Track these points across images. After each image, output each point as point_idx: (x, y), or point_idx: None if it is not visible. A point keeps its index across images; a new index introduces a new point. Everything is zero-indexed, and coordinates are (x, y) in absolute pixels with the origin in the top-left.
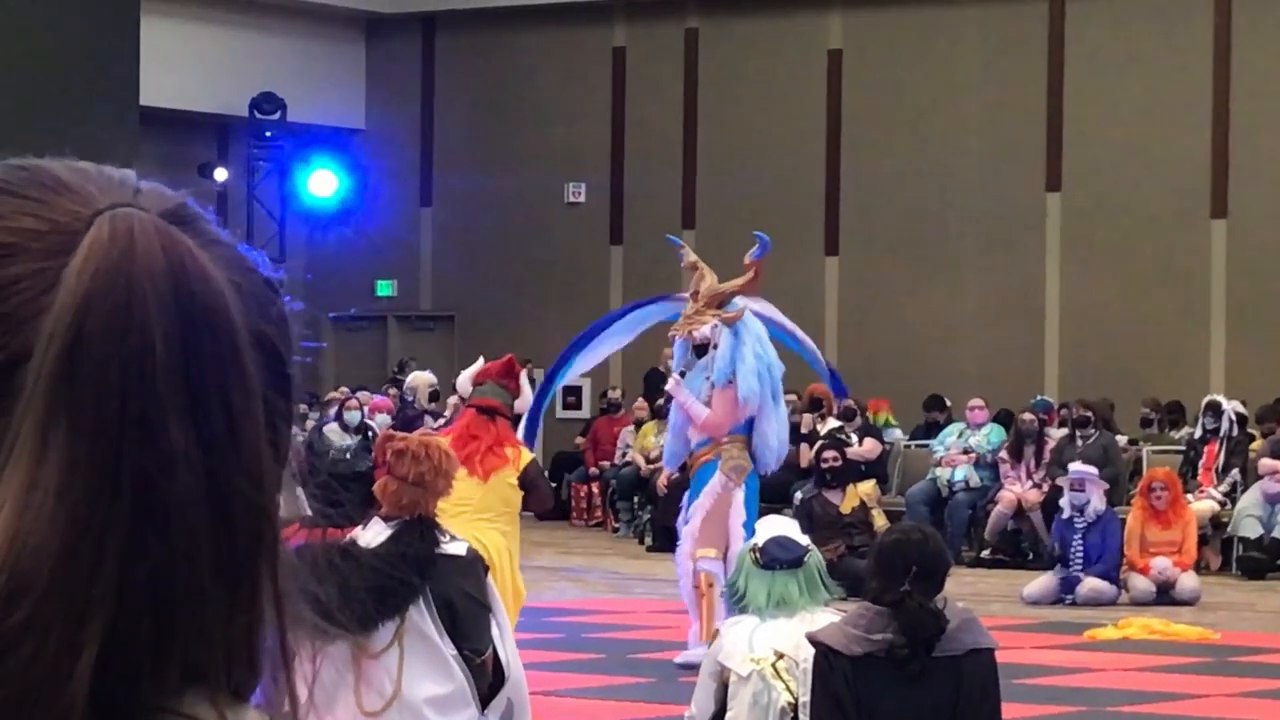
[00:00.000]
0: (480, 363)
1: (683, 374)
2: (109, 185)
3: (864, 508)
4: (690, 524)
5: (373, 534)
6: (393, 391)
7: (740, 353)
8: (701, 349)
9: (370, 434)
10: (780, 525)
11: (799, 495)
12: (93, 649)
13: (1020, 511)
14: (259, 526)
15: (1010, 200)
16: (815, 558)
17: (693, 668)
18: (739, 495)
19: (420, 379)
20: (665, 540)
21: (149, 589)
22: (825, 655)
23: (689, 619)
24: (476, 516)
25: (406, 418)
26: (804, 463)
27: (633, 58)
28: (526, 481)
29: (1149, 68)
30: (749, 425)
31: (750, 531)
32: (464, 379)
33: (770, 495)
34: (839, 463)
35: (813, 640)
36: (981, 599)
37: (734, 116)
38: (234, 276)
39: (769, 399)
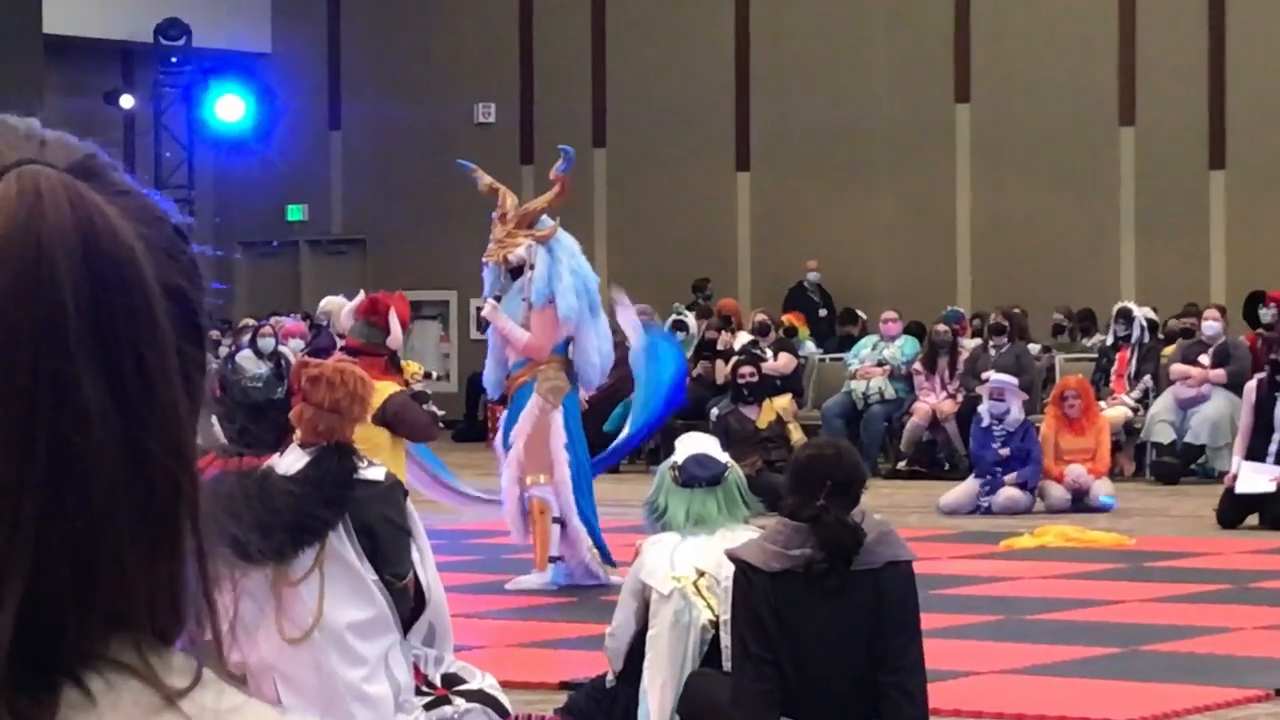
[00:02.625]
0: (359, 297)
1: (498, 298)
2: (13, 139)
3: (780, 422)
4: (513, 449)
5: (290, 461)
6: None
7: (557, 270)
8: (516, 271)
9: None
10: (700, 443)
11: (715, 411)
12: (12, 607)
13: (935, 422)
14: (177, 477)
15: (920, 112)
16: (735, 474)
17: (525, 593)
18: (558, 417)
19: (334, 303)
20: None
21: (68, 545)
22: (744, 572)
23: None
24: None
25: (319, 345)
26: (719, 379)
27: None
28: (388, 417)
29: None
30: (566, 345)
31: (577, 451)
32: (344, 314)
33: (687, 412)
34: (755, 378)
35: (732, 557)
36: (898, 510)
37: (643, 34)
38: (143, 228)
39: (587, 314)
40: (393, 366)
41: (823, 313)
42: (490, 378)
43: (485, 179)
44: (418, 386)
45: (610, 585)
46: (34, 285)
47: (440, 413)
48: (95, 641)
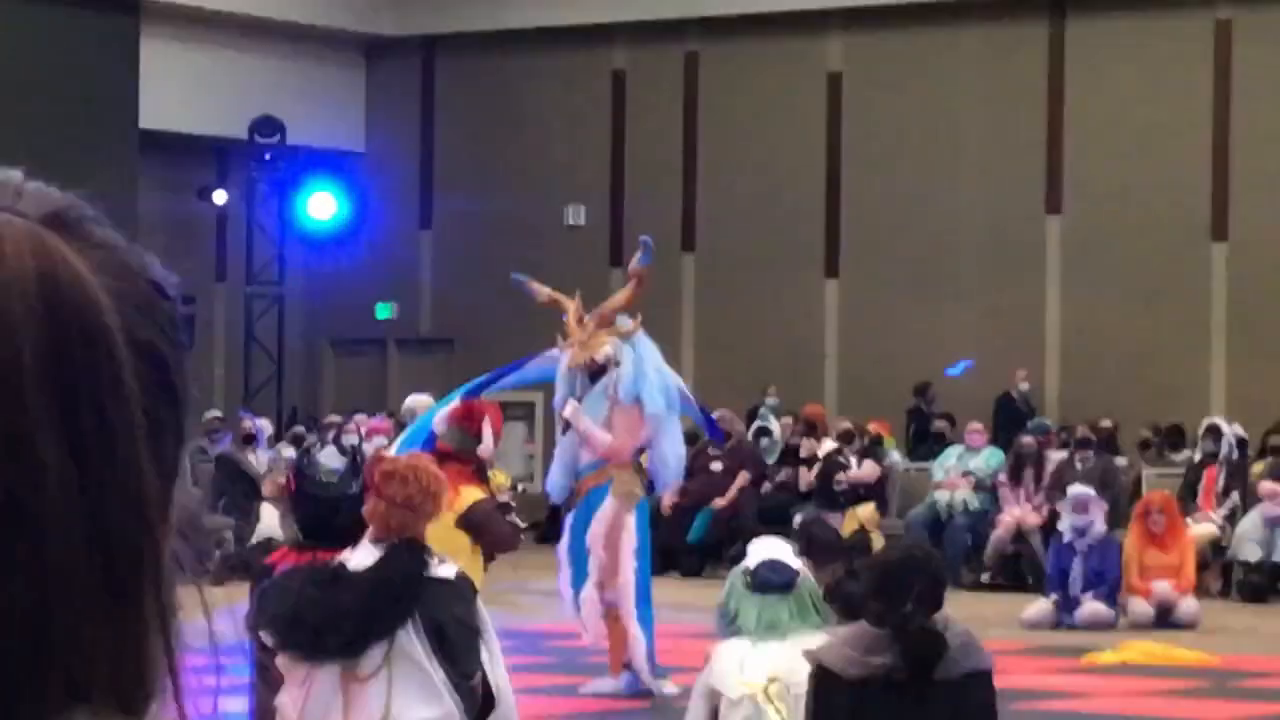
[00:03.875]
0: (455, 403)
1: (579, 399)
2: None
3: (864, 531)
4: (594, 554)
5: (362, 556)
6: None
7: (643, 369)
8: (597, 373)
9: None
10: (773, 548)
11: (798, 518)
12: None
13: (1019, 535)
14: (139, 543)
15: (1011, 223)
16: (807, 582)
17: (599, 696)
18: (630, 521)
19: (419, 401)
20: (664, 562)
21: (23, 609)
22: (823, 677)
23: (670, 644)
24: None
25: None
26: (803, 486)
27: (633, 80)
28: (470, 524)
29: (1149, 89)
30: (639, 450)
31: (642, 559)
32: (437, 419)
33: (769, 518)
34: (846, 485)
35: (812, 658)
36: (981, 623)
37: (734, 139)
38: (115, 282)
39: (668, 416)
40: (480, 475)
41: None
42: (556, 482)
43: (544, 291)
44: (504, 498)
45: (665, 695)
46: None
47: (523, 525)
48: (52, 714)
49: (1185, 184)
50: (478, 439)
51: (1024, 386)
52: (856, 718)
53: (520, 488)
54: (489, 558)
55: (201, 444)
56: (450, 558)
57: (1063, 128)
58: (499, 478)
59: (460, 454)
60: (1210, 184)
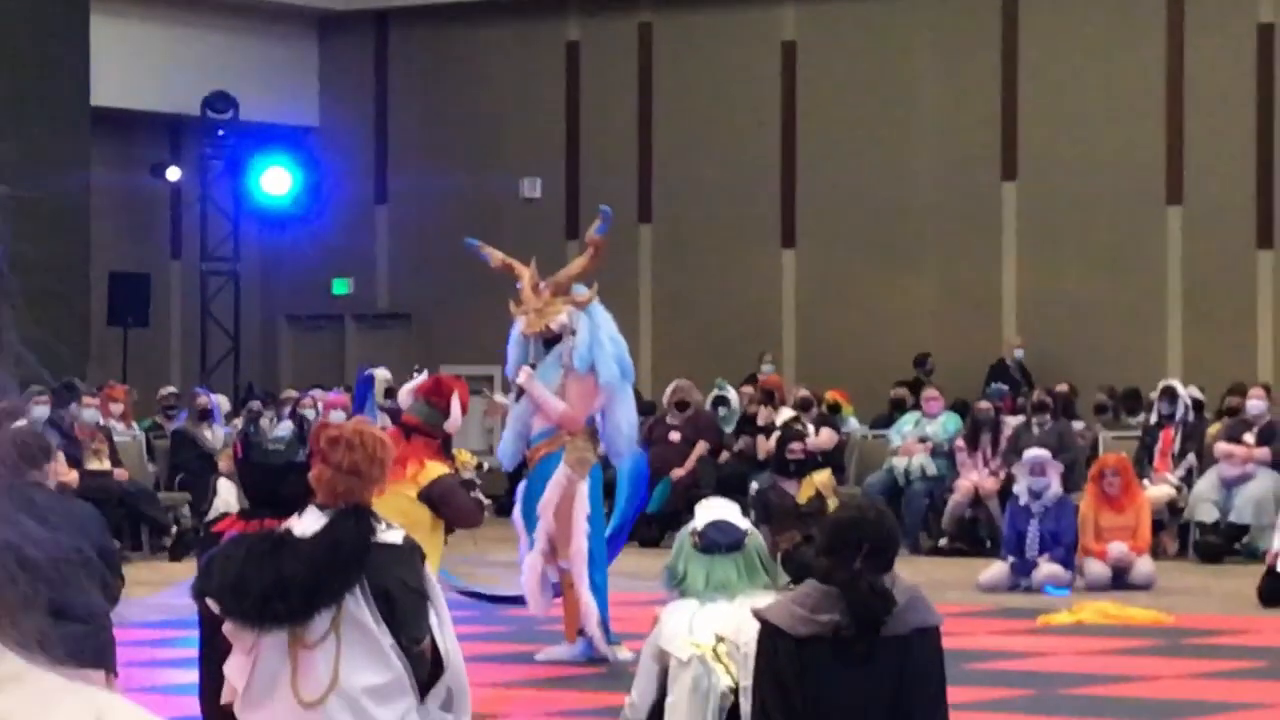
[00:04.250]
0: (423, 376)
1: (533, 366)
2: None
3: (820, 498)
4: (542, 521)
5: (308, 523)
6: (345, 388)
7: (598, 337)
8: (552, 340)
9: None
10: (720, 509)
11: (755, 485)
12: None
13: (977, 500)
14: None
15: (966, 190)
16: (755, 541)
17: (554, 664)
18: (583, 489)
19: (376, 375)
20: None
21: None
22: (770, 635)
23: (627, 612)
24: None
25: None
26: (761, 454)
27: (587, 52)
28: (432, 497)
29: (1102, 54)
30: (592, 418)
31: (595, 525)
32: (403, 392)
33: (727, 487)
34: (803, 454)
35: (758, 616)
36: (938, 587)
37: (689, 110)
38: None
39: (621, 384)
40: (445, 451)
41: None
42: (508, 449)
43: (497, 256)
44: (468, 475)
45: (620, 661)
46: None
47: (487, 501)
48: None
49: (1140, 147)
50: (445, 414)
51: (1018, 354)
52: (804, 675)
53: (484, 465)
54: (449, 531)
55: (157, 420)
56: (409, 531)
57: (1017, 92)
58: (463, 456)
59: (427, 428)
60: (1164, 147)
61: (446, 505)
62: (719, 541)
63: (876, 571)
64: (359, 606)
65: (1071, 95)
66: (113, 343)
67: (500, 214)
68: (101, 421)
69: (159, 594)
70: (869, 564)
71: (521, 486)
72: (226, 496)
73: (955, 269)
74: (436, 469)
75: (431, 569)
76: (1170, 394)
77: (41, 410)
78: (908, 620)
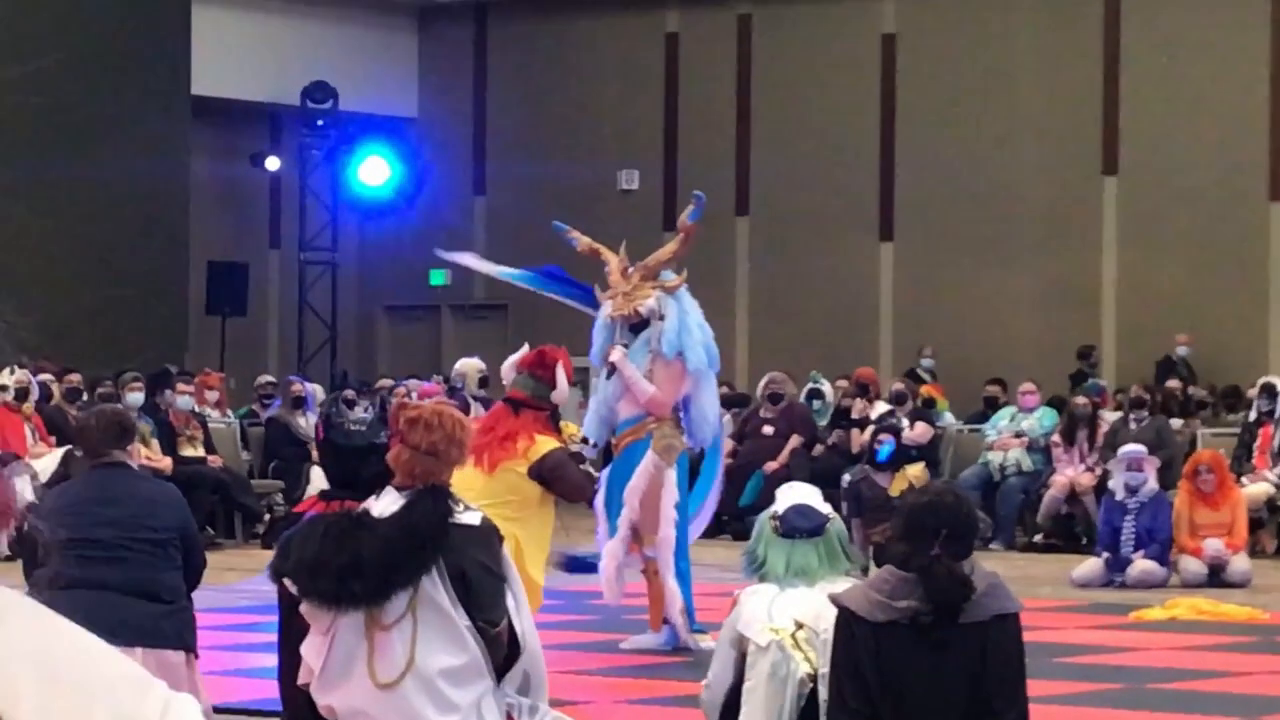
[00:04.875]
0: (524, 349)
1: (625, 347)
2: None
3: (913, 490)
4: (627, 508)
5: (386, 503)
6: (443, 379)
7: (686, 323)
8: (640, 326)
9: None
10: (801, 493)
11: (846, 478)
12: None
13: (1073, 496)
14: None
15: (1066, 184)
16: (836, 526)
17: (638, 652)
18: (670, 476)
19: (469, 365)
20: (716, 525)
21: None
22: (847, 621)
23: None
24: (480, 500)
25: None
26: (855, 447)
27: (686, 43)
28: (543, 473)
29: (1205, 47)
30: (681, 402)
31: (681, 513)
32: (506, 366)
33: (820, 480)
34: (892, 445)
35: (835, 602)
36: (1032, 583)
37: (787, 102)
38: None
39: (708, 372)
40: (553, 423)
41: (1190, 389)
42: (590, 431)
43: (584, 240)
44: (575, 448)
45: (703, 650)
46: None
47: (596, 475)
48: None
49: (1243, 142)
50: (551, 385)
51: (1182, 350)
52: (882, 661)
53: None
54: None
55: (253, 408)
56: (507, 506)
57: (1119, 86)
58: (570, 428)
59: (534, 401)
60: (1268, 142)
61: (558, 480)
62: (800, 526)
63: (954, 557)
64: (435, 588)
65: (1174, 89)
66: (211, 332)
67: (597, 205)
68: (196, 409)
69: (251, 580)
70: (947, 549)
71: (605, 474)
72: (320, 484)
73: (1054, 264)
74: (547, 443)
75: (544, 545)
76: (1270, 390)
77: (136, 396)
78: (987, 606)
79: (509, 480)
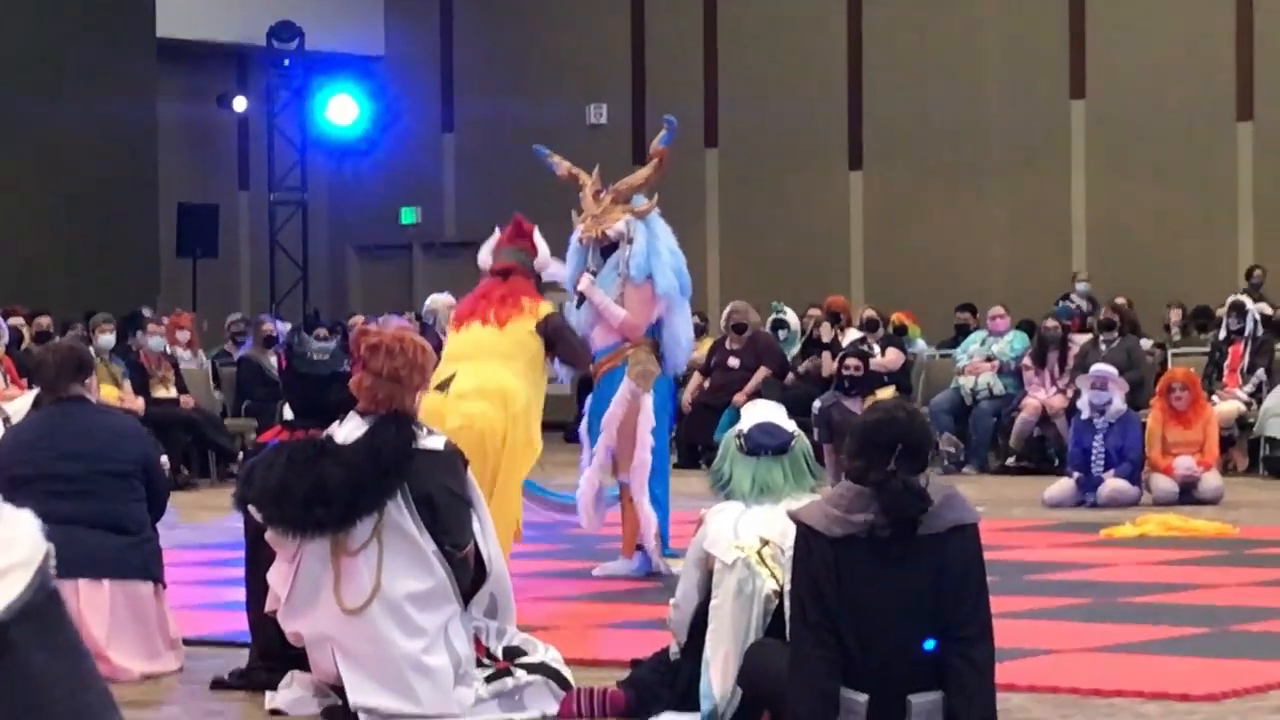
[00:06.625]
0: (496, 235)
1: (594, 273)
2: None
3: (866, 409)
4: (604, 435)
5: (349, 429)
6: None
7: (655, 246)
8: (609, 249)
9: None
10: (766, 411)
11: (817, 404)
12: None
13: (1045, 418)
14: None
15: (1034, 109)
16: (801, 443)
17: (611, 578)
18: (647, 401)
19: (440, 301)
20: (690, 457)
21: None
22: (805, 536)
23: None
24: (493, 356)
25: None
26: (826, 373)
27: None
28: (549, 331)
29: None
30: (655, 327)
31: (659, 438)
32: (484, 254)
33: (792, 407)
34: (860, 371)
35: (794, 518)
36: (1004, 504)
37: (754, 32)
38: None
39: (679, 295)
40: (540, 290)
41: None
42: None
43: (564, 165)
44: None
45: (675, 575)
46: None
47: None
48: None
49: (1210, 64)
50: (534, 252)
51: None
52: (841, 575)
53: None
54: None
55: (225, 348)
56: (519, 362)
57: (1084, 11)
58: (547, 307)
59: (523, 269)
60: (1235, 63)
61: (562, 340)
62: (765, 444)
63: (910, 472)
64: (401, 513)
65: (1139, 12)
66: (182, 273)
67: (566, 140)
68: (168, 349)
69: (224, 518)
70: (903, 464)
71: (587, 402)
72: None
73: (1023, 188)
74: (546, 306)
75: (540, 409)
76: (1239, 309)
77: (107, 338)
78: (944, 518)
79: (518, 336)
